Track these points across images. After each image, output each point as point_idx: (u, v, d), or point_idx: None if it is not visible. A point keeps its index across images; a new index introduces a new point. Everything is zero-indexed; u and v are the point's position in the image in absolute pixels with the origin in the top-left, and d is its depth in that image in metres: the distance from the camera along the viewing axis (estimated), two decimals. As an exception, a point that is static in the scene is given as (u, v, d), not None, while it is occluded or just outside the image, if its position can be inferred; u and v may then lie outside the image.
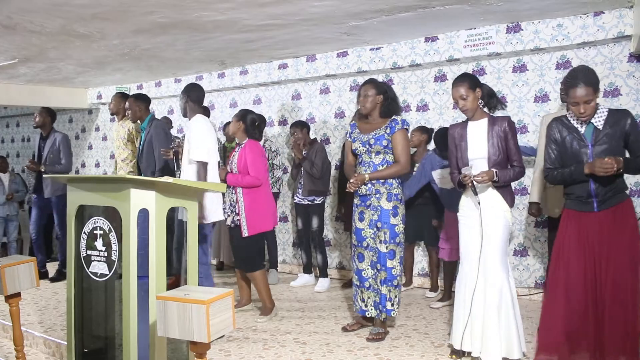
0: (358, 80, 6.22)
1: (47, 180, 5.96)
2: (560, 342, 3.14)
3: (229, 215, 4.49)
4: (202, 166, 4.14)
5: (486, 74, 5.43)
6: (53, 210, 6.16)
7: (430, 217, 5.20)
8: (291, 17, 4.72)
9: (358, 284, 4.08)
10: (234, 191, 4.46)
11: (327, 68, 6.23)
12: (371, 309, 4.04)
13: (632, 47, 4.61)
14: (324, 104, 6.54)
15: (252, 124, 4.54)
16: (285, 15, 4.64)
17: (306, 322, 4.49)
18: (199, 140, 4.14)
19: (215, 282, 6.05)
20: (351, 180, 3.94)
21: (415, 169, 5.28)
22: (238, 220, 4.42)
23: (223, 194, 4.46)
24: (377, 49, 5.85)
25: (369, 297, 4.04)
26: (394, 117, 4.01)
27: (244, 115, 4.55)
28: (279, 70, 6.63)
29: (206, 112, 6.08)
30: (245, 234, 4.38)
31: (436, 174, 4.63)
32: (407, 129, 4.02)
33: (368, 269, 4.03)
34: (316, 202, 5.68)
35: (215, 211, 4.23)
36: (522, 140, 5.20)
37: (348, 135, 4.19)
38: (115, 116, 5.92)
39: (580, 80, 3.00)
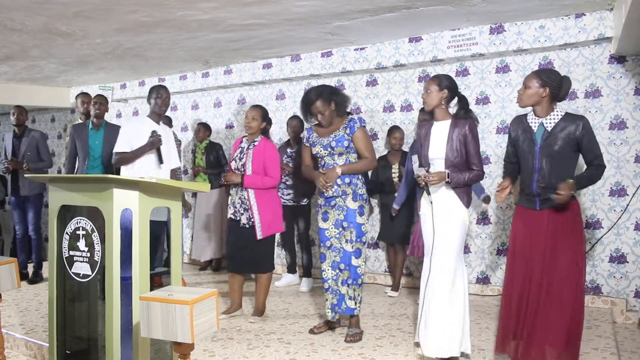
0: (342, 80, 6.23)
1: (24, 179, 5.92)
2: (504, 337, 3.35)
3: (242, 214, 4.35)
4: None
5: (470, 74, 5.47)
6: (29, 209, 6.10)
7: (404, 217, 5.25)
8: (275, 17, 4.72)
9: (323, 285, 4.12)
10: (242, 188, 4.33)
11: (311, 68, 6.24)
12: (328, 311, 4.05)
13: (613, 49, 4.68)
14: (308, 104, 6.53)
15: (269, 122, 4.55)
16: (270, 14, 4.64)
17: (290, 322, 4.49)
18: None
19: (197, 283, 6.06)
20: (323, 178, 3.90)
21: (394, 169, 5.35)
22: (252, 220, 4.31)
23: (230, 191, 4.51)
24: (361, 49, 5.87)
25: (327, 300, 4.06)
26: (350, 116, 4.02)
27: (267, 116, 4.48)
28: (264, 69, 6.62)
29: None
30: (259, 236, 4.30)
31: (415, 158, 4.65)
32: (364, 126, 4.03)
33: (329, 269, 4.03)
34: (302, 203, 5.69)
35: None
36: (505, 139, 5.25)
37: (305, 140, 4.15)
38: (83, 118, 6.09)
39: (533, 72, 3.33)
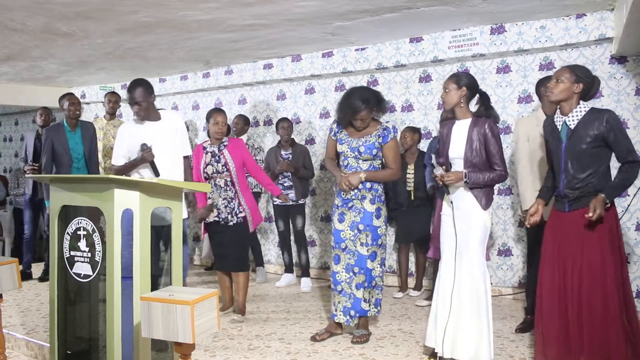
0: (343, 80, 6.23)
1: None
2: (547, 345, 3.20)
3: (228, 213, 4.42)
4: (189, 161, 4.22)
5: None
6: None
7: (424, 218, 5.22)
8: (276, 17, 4.72)
9: (333, 287, 4.05)
10: (231, 189, 4.43)
11: (312, 68, 6.24)
12: (340, 315, 3.99)
13: (613, 49, 4.67)
14: (309, 104, 6.54)
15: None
16: (271, 15, 4.64)
17: (291, 323, 4.49)
18: (185, 136, 4.26)
19: (197, 283, 6.06)
20: (344, 182, 3.83)
21: (409, 170, 5.31)
22: (241, 217, 4.43)
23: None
24: (362, 49, 5.87)
25: (339, 302, 3.99)
26: (385, 125, 3.94)
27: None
28: (264, 70, 6.62)
29: None
30: (251, 229, 4.50)
31: (432, 157, 4.64)
32: (396, 136, 3.96)
33: (342, 272, 3.96)
34: (300, 202, 5.70)
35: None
36: (506, 140, 5.26)
37: (333, 133, 4.06)
38: (105, 115, 6.21)
39: (565, 66, 3.23)
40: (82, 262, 2.91)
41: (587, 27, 4.67)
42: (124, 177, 3.07)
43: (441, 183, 3.43)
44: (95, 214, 2.85)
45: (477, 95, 3.52)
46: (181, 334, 2.30)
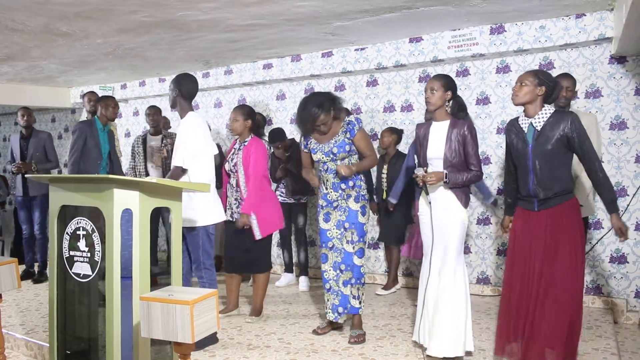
0: (343, 80, 6.23)
1: (32, 180, 5.93)
2: (505, 338, 3.34)
3: (239, 214, 4.31)
4: (181, 172, 3.78)
5: (470, 74, 5.47)
6: (35, 208, 6.12)
7: (401, 218, 5.26)
8: (276, 17, 4.72)
9: (323, 285, 4.11)
10: (237, 189, 4.34)
11: (312, 68, 6.23)
12: (329, 312, 4.04)
13: (613, 49, 4.67)
14: (309, 104, 6.53)
15: (254, 119, 4.43)
16: (270, 15, 4.64)
17: (291, 322, 4.49)
18: (181, 145, 3.82)
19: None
20: (344, 171, 3.81)
21: (384, 170, 5.36)
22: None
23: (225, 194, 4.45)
24: (361, 49, 5.87)
25: (327, 300, 4.06)
26: (347, 119, 3.97)
27: (252, 113, 4.39)
28: (264, 70, 6.62)
29: None
30: (257, 236, 4.30)
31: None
32: (362, 126, 3.97)
33: (330, 270, 4.03)
34: (302, 200, 5.71)
35: (211, 213, 3.90)
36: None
37: (304, 146, 4.11)
38: (87, 116, 6.10)
39: (528, 70, 3.31)
40: (81, 262, 2.92)
41: (587, 27, 4.67)
42: (123, 177, 3.07)
43: (421, 183, 3.49)
44: (95, 214, 2.85)
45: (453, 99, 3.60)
46: (180, 334, 2.30)
